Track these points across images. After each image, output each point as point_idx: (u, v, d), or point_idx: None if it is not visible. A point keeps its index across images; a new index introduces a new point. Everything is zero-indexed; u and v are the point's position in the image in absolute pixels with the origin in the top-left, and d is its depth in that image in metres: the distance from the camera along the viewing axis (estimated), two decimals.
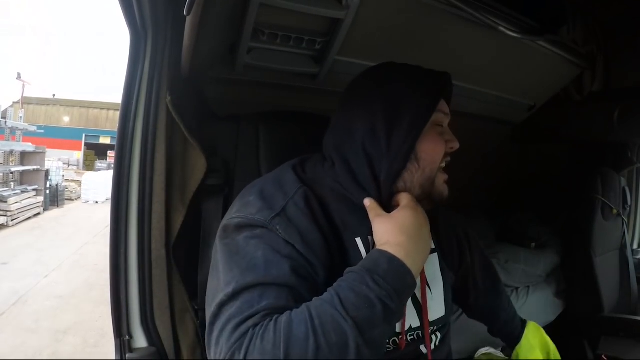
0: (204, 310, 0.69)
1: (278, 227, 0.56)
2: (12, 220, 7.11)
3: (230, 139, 0.91)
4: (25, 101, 17.25)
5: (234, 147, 0.90)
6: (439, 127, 0.66)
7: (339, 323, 0.46)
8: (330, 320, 0.46)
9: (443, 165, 0.66)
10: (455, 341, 0.76)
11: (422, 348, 0.67)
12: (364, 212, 0.62)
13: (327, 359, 0.45)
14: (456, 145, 0.67)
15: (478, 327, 1.46)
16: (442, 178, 0.66)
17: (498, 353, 1.09)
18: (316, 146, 0.69)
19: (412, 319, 0.66)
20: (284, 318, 0.47)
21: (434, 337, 0.69)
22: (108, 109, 21.49)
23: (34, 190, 8.57)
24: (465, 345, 1.36)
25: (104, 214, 7.91)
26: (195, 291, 0.87)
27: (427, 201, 0.65)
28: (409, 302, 0.66)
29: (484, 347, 1.52)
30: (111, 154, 15.81)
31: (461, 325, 1.14)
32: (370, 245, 0.62)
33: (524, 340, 0.86)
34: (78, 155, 19.54)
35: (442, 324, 0.71)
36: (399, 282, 0.51)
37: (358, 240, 0.62)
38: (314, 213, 0.59)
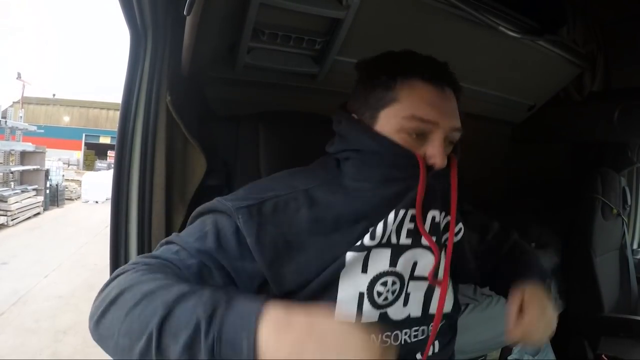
0: None
1: (240, 217, 0.56)
2: (12, 220, 7.10)
3: (231, 140, 0.91)
4: (25, 101, 17.24)
5: (234, 148, 0.90)
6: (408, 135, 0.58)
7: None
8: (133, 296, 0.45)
9: None
10: (458, 339, 0.75)
11: (418, 356, 0.63)
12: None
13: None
14: (437, 163, 0.58)
15: (482, 327, 1.45)
16: None
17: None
18: (316, 146, 0.69)
19: (414, 307, 0.62)
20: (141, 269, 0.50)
21: (431, 347, 0.65)
22: (108, 109, 21.46)
23: (34, 189, 8.56)
24: (468, 344, 1.37)
25: (104, 213, 7.90)
26: None
27: None
28: (415, 288, 0.62)
29: (488, 346, 1.52)
30: (111, 153, 15.79)
31: (465, 324, 1.15)
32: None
33: None
34: (78, 155, 19.53)
35: (446, 327, 0.67)
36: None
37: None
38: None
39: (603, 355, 1.48)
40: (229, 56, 0.89)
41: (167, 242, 0.57)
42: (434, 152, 0.58)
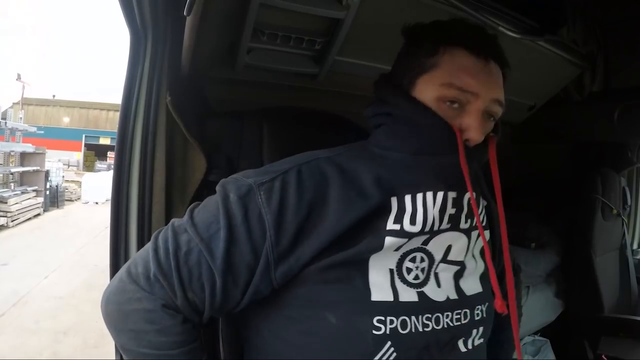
0: None
1: (262, 194, 0.53)
2: (12, 221, 7.10)
3: (235, 136, 0.90)
4: (25, 102, 17.22)
5: (238, 144, 0.90)
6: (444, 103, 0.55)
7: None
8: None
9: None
10: None
11: (460, 344, 0.58)
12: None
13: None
14: (473, 137, 0.54)
15: None
16: None
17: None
18: (321, 143, 0.68)
19: (449, 289, 0.58)
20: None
21: (474, 331, 0.59)
22: (108, 110, 21.48)
23: (34, 191, 8.56)
24: None
25: (104, 214, 7.89)
26: None
27: None
28: (444, 270, 0.58)
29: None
30: (111, 154, 15.81)
31: None
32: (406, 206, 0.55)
33: None
34: (78, 156, 19.55)
35: (490, 311, 0.62)
36: None
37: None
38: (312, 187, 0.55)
39: (603, 356, 1.48)
40: (229, 56, 0.89)
41: (177, 232, 0.57)
42: (470, 123, 0.54)
